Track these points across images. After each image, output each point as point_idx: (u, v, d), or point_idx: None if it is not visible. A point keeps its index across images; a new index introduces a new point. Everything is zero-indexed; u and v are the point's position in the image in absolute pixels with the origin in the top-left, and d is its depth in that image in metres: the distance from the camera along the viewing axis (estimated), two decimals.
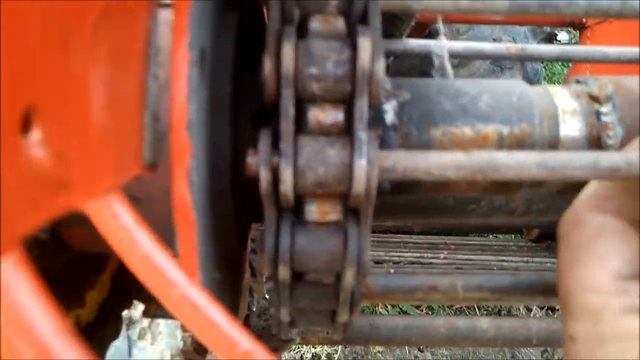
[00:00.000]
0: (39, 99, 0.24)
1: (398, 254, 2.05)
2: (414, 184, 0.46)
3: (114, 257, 0.66)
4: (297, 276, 0.41)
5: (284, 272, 0.39)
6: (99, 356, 0.69)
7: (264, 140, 0.37)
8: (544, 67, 3.75)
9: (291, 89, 0.36)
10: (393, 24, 0.72)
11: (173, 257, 0.31)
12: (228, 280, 0.53)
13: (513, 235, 2.47)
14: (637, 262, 0.36)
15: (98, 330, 0.68)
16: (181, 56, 0.35)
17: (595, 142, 0.47)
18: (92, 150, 0.29)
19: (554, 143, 0.47)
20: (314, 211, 0.39)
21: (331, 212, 0.39)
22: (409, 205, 0.61)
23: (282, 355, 1.98)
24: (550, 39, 3.57)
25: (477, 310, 2.57)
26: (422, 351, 2.50)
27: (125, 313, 0.76)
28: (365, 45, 0.35)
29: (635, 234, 0.37)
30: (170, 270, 0.30)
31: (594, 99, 0.48)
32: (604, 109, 0.47)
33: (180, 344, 1.18)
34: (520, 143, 0.46)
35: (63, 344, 0.22)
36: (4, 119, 0.22)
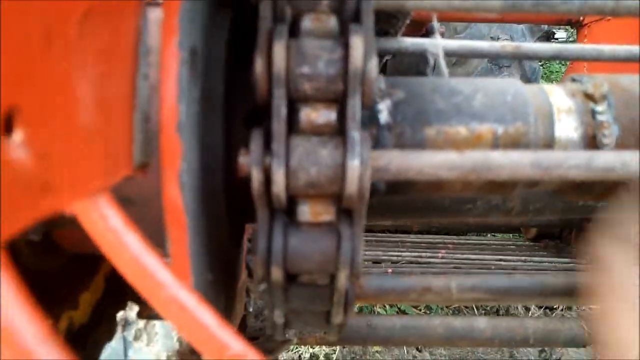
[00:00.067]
0: (22, 99, 0.23)
1: (396, 253, 2.04)
2: (408, 184, 0.46)
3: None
4: (291, 277, 0.41)
5: (276, 274, 0.39)
6: (93, 358, 0.68)
7: (256, 141, 0.36)
8: (542, 65, 3.76)
9: (283, 88, 0.36)
10: (388, 21, 0.72)
11: (162, 259, 0.30)
12: (222, 281, 0.52)
13: (511, 235, 2.47)
14: None
15: (92, 332, 0.67)
16: (171, 56, 0.35)
17: (590, 141, 0.47)
18: (77, 151, 0.28)
19: (549, 142, 0.47)
20: (306, 212, 0.38)
21: (324, 213, 0.39)
22: (404, 206, 0.60)
23: (280, 356, 1.98)
24: (548, 37, 3.57)
25: (475, 309, 2.56)
26: (420, 351, 2.50)
27: (120, 314, 0.75)
28: (357, 44, 0.35)
29: None
30: (159, 271, 0.29)
31: (589, 97, 0.48)
32: (600, 107, 0.47)
33: (176, 345, 1.17)
34: (514, 142, 0.46)
35: (46, 349, 0.22)
36: None
